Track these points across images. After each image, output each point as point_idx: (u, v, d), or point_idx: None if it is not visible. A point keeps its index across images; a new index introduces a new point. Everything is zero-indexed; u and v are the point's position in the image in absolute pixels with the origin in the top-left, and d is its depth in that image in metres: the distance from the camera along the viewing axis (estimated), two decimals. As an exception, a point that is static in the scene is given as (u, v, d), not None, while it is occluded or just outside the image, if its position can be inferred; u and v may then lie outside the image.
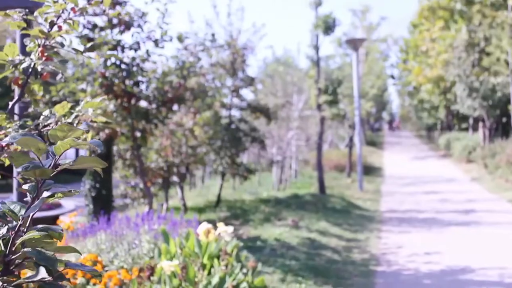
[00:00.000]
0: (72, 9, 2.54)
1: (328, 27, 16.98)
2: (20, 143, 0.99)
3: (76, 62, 8.52)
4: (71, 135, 1.13)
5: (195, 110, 12.09)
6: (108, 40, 7.93)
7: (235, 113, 15.04)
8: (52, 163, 1.05)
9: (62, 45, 2.30)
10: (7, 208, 1.14)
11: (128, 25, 8.35)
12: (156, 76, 9.01)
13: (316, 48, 17.13)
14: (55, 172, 1.06)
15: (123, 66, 8.28)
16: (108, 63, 8.30)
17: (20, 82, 2.30)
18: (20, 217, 1.11)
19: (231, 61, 14.10)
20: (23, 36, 6.92)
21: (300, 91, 21.23)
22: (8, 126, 2.07)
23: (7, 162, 1.98)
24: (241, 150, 13.94)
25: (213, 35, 13.09)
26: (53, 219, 9.53)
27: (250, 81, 14.73)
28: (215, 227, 5.61)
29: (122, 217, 6.69)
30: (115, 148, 10.94)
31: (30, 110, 7.57)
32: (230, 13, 14.70)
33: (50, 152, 1.07)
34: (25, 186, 1.14)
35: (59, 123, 2.02)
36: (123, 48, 8.35)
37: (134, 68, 8.44)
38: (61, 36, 2.32)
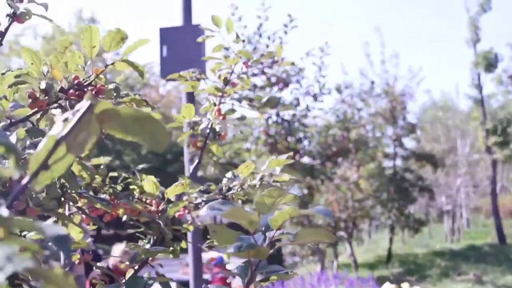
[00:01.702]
0: (245, 63, 2.40)
1: (490, 64, 15.97)
2: (228, 215, 0.76)
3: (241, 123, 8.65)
4: (280, 201, 0.90)
5: (357, 162, 11.73)
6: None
7: (399, 162, 14.42)
8: (268, 239, 0.82)
9: (239, 101, 2.16)
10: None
11: (286, 83, 8.33)
12: (318, 131, 8.85)
13: (479, 87, 16.13)
14: (272, 251, 0.82)
15: (284, 123, 8.23)
16: (270, 121, 8.29)
17: (198, 144, 2.18)
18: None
19: (390, 109, 13.63)
20: (189, 96, 7.12)
21: (464, 135, 20.04)
22: (191, 191, 1.92)
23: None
24: (409, 201, 13.25)
25: (372, 83, 12.78)
26: (222, 281, 9.52)
27: (411, 128, 14.12)
28: (399, 286, 5.16)
29: (297, 277, 6.45)
30: (280, 206, 10.82)
31: (202, 173, 7.73)
32: (384, 61, 14.34)
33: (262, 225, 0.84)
34: (231, 267, 0.92)
35: (245, 185, 1.82)
36: (283, 105, 8.33)
37: (296, 124, 8.36)
38: (235, 92, 2.18)
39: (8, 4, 1.38)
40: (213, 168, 6.14)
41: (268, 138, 7.98)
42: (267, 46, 8.27)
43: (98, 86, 1.57)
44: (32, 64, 1.49)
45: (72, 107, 1.55)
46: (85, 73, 1.63)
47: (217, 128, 2.11)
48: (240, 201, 1.94)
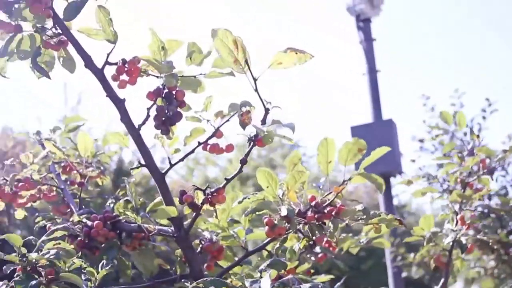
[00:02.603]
0: (482, 161, 2.12)
1: None
2: None
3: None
4: None
5: None
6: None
7: None
8: None
9: (487, 208, 1.87)
10: None
11: (491, 170, 7.67)
12: (533, 221, 7.97)
13: None
14: None
15: (493, 214, 7.52)
16: (475, 213, 7.63)
17: (442, 259, 1.89)
18: None
19: None
20: (387, 195, 6.78)
21: None
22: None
23: None
24: None
25: None
26: None
27: None
28: None
29: None
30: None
31: (406, 274, 7.24)
32: None
33: None
34: None
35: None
36: (489, 195, 7.65)
37: (505, 215, 7.59)
38: (481, 196, 1.89)
39: (244, 125, 1.27)
40: (420, 268, 5.68)
41: (476, 232, 7.31)
42: (465, 134, 7.77)
43: (338, 206, 1.39)
44: (267, 187, 1.35)
45: (312, 232, 1.37)
46: (321, 192, 1.47)
47: (463, 240, 1.82)
48: None
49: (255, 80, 1.18)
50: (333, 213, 1.38)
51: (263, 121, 1.24)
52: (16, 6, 1.26)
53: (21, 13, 1.26)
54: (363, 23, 7.89)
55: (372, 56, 7.82)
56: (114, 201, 1.72)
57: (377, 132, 7.18)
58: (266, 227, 1.35)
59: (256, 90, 1.19)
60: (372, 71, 7.75)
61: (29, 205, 1.78)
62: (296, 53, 1.12)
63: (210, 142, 1.37)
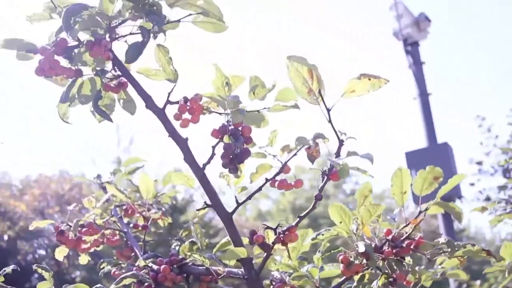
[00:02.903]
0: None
1: None
2: None
3: None
4: None
5: None
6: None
7: None
8: None
9: None
10: None
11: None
12: None
13: None
14: None
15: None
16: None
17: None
18: None
19: None
20: (447, 221, 6.55)
21: None
22: None
23: None
24: None
25: None
26: None
27: None
28: None
29: None
30: None
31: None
32: None
33: None
34: None
35: None
36: None
37: None
38: None
39: (313, 158, 1.21)
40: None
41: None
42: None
43: (417, 239, 1.31)
44: (340, 222, 1.28)
45: (391, 268, 1.29)
46: (396, 224, 1.39)
47: (550, 269, 1.70)
48: None
49: (328, 111, 1.12)
50: (412, 247, 1.30)
51: (337, 154, 1.17)
52: (75, 51, 1.25)
53: (81, 57, 1.24)
54: (411, 47, 7.78)
55: (423, 79, 7.68)
56: (179, 243, 1.67)
57: (433, 156, 7.00)
58: (342, 265, 1.28)
59: (330, 121, 1.13)
60: (424, 95, 7.60)
61: (92, 249, 1.76)
62: (370, 79, 1.05)
63: (277, 178, 1.31)
